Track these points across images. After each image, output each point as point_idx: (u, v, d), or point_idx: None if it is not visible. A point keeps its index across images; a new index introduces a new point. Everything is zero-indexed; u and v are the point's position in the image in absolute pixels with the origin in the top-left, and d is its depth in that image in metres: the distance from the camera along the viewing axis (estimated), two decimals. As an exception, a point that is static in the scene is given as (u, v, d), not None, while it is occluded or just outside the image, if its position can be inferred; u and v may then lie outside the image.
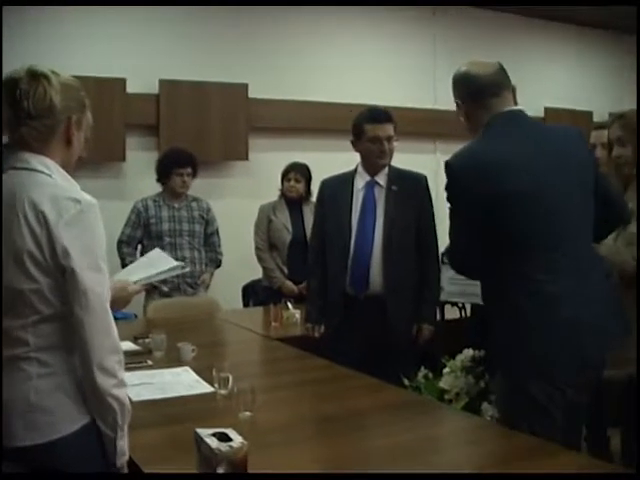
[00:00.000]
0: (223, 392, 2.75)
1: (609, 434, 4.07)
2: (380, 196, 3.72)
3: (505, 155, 2.44)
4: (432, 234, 3.76)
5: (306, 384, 3.03)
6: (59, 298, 1.79)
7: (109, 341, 1.81)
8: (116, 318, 4.35)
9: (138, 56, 5.91)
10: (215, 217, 5.38)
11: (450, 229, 2.54)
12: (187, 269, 3.40)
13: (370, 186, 3.75)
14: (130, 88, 5.84)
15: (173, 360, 3.33)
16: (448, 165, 2.47)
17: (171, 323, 4.11)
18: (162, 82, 5.98)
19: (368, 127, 3.67)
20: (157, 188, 5.29)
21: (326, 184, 3.92)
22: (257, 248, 5.35)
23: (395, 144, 3.71)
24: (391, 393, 2.85)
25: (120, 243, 5.14)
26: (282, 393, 2.91)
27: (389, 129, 3.68)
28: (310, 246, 3.96)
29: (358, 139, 3.72)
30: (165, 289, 5.07)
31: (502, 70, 2.61)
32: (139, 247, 5.23)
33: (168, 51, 6.06)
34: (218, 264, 5.37)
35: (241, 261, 5.57)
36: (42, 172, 1.84)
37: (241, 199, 6.23)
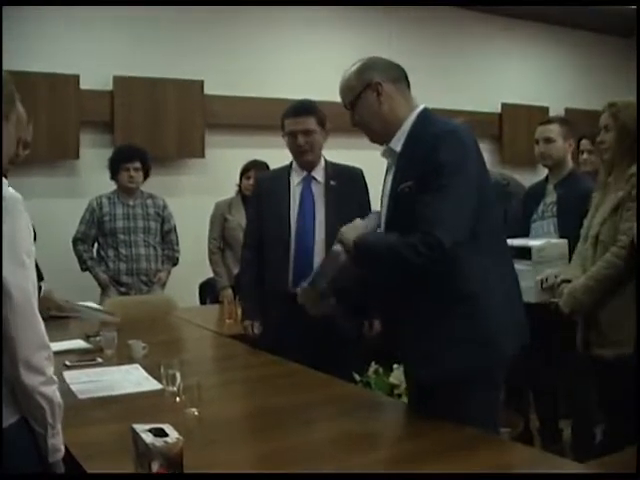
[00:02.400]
0: (171, 389, 2.73)
1: (561, 426, 4.15)
2: (318, 191, 3.64)
3: None
4: None
5: (255, 380, 3.02)
6: None
7: (36, 337, 1.78)
8: (69, 316, 4.34)
9: (92, 53, 5.85)
10: (172, 214, 5.36)
11: (444, 205, 2.29)
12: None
13: (307, 182, 3.66)
14: (84, 84, 5.77)
15: (124, 358, 3.31)
16: (452, 131, 2.37)
17: (125, 321, 4.07)
18: (116, 78, 5.93)
19: (286, 122, 3.60)
20: (112, 186, 5.26)
21: (262, 180, 3.88)
22: (209, 249, 5.36)
23: (321, 138, 3.59)
24: (339, 388, 2.85)
25: (76, 241, 5.12)
26: (230, 389, 2.91)
27: (307, 122, 3.56)
28: (245, 243, 3.83)
29: (283, 134, 3.65)
30: (121, 288, 5.06)
31: None
32: (95, 245, 5.21)
33: (122, 48, 6.00)
34: (175, 262, 5.35)
35: (198, 259, 5.54)
36: None
37: (197, 196, 6.20)
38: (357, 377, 3.26)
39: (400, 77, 2.54)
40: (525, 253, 3.45)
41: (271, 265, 3.64)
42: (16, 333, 1.74)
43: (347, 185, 3.65)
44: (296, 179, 3.68)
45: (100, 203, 5.12)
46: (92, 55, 5.85)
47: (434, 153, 2.32)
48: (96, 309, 3.58)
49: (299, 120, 3.56)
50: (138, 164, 5.14)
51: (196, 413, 2.44)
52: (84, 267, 5.12)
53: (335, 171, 3.69)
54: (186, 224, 5.57)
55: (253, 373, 3.14)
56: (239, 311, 4.18)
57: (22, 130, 2.40)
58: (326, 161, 3.71)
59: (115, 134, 5.94)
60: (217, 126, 6.35)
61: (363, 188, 3.72)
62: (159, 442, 1.67)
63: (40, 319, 1.81)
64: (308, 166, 3.66)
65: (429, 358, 2.38)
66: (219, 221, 5.39)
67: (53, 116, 5.59)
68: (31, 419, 1.81)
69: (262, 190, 3.79)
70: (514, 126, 7.86)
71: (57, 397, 1.84)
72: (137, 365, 3.19)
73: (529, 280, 3.40)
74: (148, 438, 1.69)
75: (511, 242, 3.50)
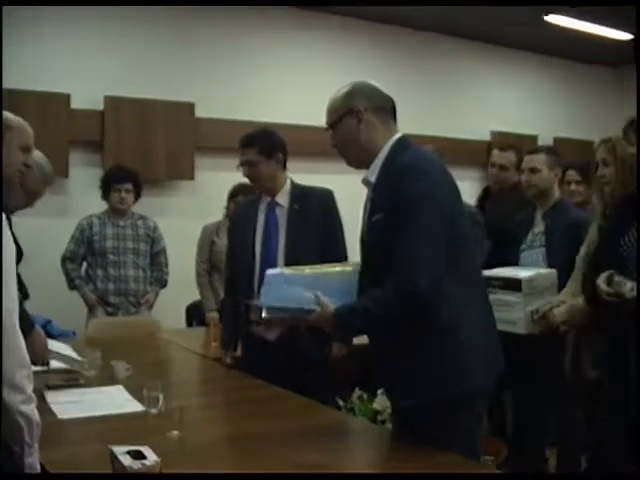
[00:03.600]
0: (153, 411, 2.70)
1: (547, 455, 4.14)
2: (282, 216, 3.61)
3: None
4: (341, 251, 3.59)
5: (237, 403, 3.01)
6: None
7: (17, 356, 1.78)
8: (53, 336, 4.33)
9: (84, 72, 5.87)
10: (162, 236, 5.35)
11: (416, 242, 2.29)
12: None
13: (271, 207, 3.63)
14: (75, 104, 5.79)
15: (107, 379, 3.28)
16: (412, 167, 2.37)
17: (110, 342, 4.06)
18: (107, 99, 5.94)
19: (240, 152, 3.65)
20: (101, 204, 5.26)
21: (236, 208, 3.94)
22: (197, 272, 5.34)
23: (266, 166, 3.56)
24: (320, 414, 2.83)
25: (64, 259, 5.11)
26: (213, 412, 2.90)
27: (248, 153, 3.57)
28: (225, 272, 3.87)
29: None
30: (109, 309, 5.04)
31: None
32: (84, 264, 5.19)
33: (114, 68, 6.02)
34: (163, 284, 5.33)
35: (185, 281, 5.51)
36: None
37: (186, 219, 6.18)
38: (341, 402, 3.24)
39: (385, 106, 2.54)
40: (515, 284, 3.43)
41: (238, 293, 3.61)
42: None
43: (311, 207, 3.60)
44: (262, 206, 3.66)
45: (90, 222, 5.12)
46: (84, 75, 5.87)
47: (398, 187, 2.34)
48: (71, 358, 3.52)
49: (242, 152, 3.60)
50: (129, 186, 5.14)
51: (177, 436, 2.43)
52: (72, 286, 5.10)
53: (301, 194, 3.65)
54: (174, 246, 5.55)
55: (236, 396, 3.12)
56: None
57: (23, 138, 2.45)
58: (293, 184, 3.67)
59: (105, 154, 5.95)
60: (207, 149, 6.36)
61: (330, 209, 3.66)
62: (137, 465, 1.66)
63: (21, 338, 1.81)
64: (269, 192, 3.64)
65: (405, 387, 2.39)
66: (207, 244, 5.38)
67: (43, 135, 5.44)
68: (9, 437, 1.80)
69: (234, 218, 3.85)
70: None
71: (36, 416, 1.84)
72: (120, 386, 3.16)
73: (519, 311, 3.38)
74: (126, 461, 1.68)
75: (500, 272, 3.52)
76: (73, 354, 3.32)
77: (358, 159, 2.55)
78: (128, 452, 1.74)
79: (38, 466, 1.87)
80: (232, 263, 3.75)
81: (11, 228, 3.21)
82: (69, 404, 2.89)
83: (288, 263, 3.43)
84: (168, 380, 3.13)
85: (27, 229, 4.48)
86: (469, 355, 2.35)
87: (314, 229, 3.56)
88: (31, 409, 1.82)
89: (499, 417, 3.94)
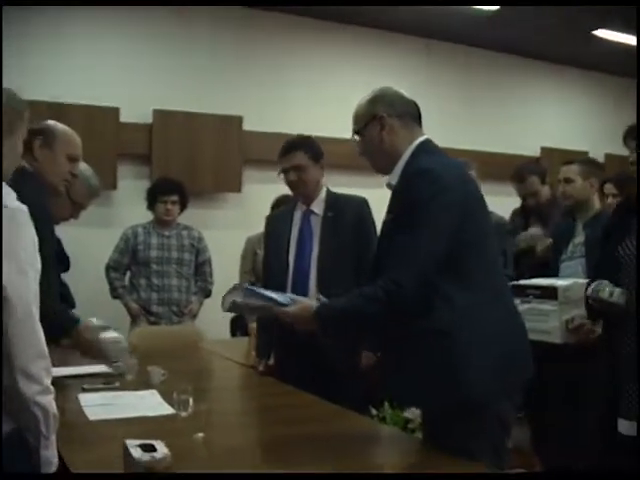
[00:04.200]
0: (183, 414, 2.71)
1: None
2: (316, 225, 3.60)
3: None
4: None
5: (268, 409, 3.01)
6: None
7: (34, 346, 1.80)
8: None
9: (133, 86, 5.99)
10: (207, 246, 5.40)
11: (409, 243, 2.33)
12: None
13: (306, 216, 3.63)
14: (124, 117, 5.90)
15: (142, 384, 3.30)
16: (426, 169, 2.38)
17: (151, 350, 4.10)
18: (156, 112, 6.04)
19: (280, 159, 3.61)
20: (148, 217, 5.33)
21: (269, 219, 3.88)
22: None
23: (313, 171, 3.57)
24: (350, 421, 2.80)
25: (108, 268, 5.19)
26: (242, 417, 2.90)
27: (295, 158, 3.55)
28: (260, 278, 3.85)
29: (278, 174, 3.66)
30: (151, 318, 5.09)
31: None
32: (128, 273, 5.26)
33: (163, 82, 6.13)
34: (208, 294, 5.36)
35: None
36: None
37: (233, 230, 6.22)
38: (374, 411, 3.21)
39: (407, 112, 2.55)
40: (551, 293, 3.38)
41: None
42: (15, 341, 1.76)
43: (346, 215, 3.59)
44: (297, 215, 3.66)
45: (135, 232, 5.19)
46: (132, 88, 5.99)
47: (407, 190, 2.38)
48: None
49: (288, 157, 3.56)
50: (175, 197, 5.21)
51: (202, 438, 2.43)
52: (115, 294, 5.16)
53: (335, 202, 3.64)
54: (221, 258, 5.59)
55: (267, 402, 3.12)
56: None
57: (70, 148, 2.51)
58: (328, 192, 3.66)
59: (153, 167, 6.04)
60: (254, 161, 6.40)
61: (365, 217, 3.63)
62: (146, 457, 1.66)
63: (40, 329, 1.83)
64: (305, 200, 3.63)
65: (407, 392, 2.42)
66: (250, 255, 5.40)
67: (92, 147, 5.59)
68: (25, 429, 1.82)
69: (268, 229, 3.82)
70: (553, 170, 7.77)
71: (53, 407, 1.85)
72: (154, 391, 3.17)
73: (554, 320, 3.33)
74: (136, 453, 1.68)
75: (535, 281, 3.47)
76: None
77: (383, 164, 2.58)
78: (140, 445, 1.74)
79: (55, 460, 1.88)
80: (266, 273, 3.76)
81: (53, 235, 3.29)
82: (101, 406, 2.91)
83: (321, 271, 3.49)
84: (202, 385, 3.13)
85: (75, 239, 4.60)
86: (473, 360, 2.29)
87: (348, 237, 3.55)
88: (48, 400, 1.83)
89: (540, 429, 3.85)
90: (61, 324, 2.86)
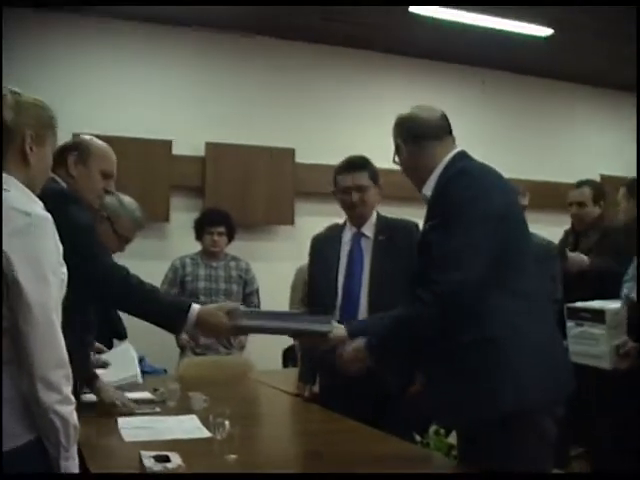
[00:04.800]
0: (219, 437, 2.67)
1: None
2: (367, 248, 3.53)
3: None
4: None
5: (307, 434, 2.96)
6: (8, 310, 1.77)
7: (54, 354, 1.78)
8: (146, 372, 4.40)
9: (185, 119, 6.06)
10: (255, 278, 5.37)
11: (453, 244, 2.30)
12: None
13: (357, 239, 3.56)
14: (176, 150, 5.97)
15: (184, 409, 3.28)
16: (462, 171, 2.43)
17: (198, 379, 4.08)
18: (208, 145, 6.10)
19: (339, 177, 3.56)
20: (199, 248, 5.35)
21: (315, 240, 3.79)
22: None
23: (374, 193, 3.53)
24: (391, 445, 2.72)
25: (157, 299, 5.17)
26: (279, 441, 2.84)
27: (360, 178, 3.50)
28: (304, 301, 3.82)
29: (335, 191, 3.61)
30: (198, 349, 5.06)
31: (444, 116, 2.64)
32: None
33: (215, 114, 6.20)
34: (255, 325, 5.31)
35: (283, 324, 5.50)
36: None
37: (284, 263, 6.17)
38: (418, 438, 3.11)
39: (426, 133, 2.57)
40: (599, 316, 3.25)
41: None
42: (34, 349, 1.75)
43: (397, 239, 3.50)
44: (347, 236, 3.60)
45: (183, 263, 5.20)
46: (185, 122, 6.06)
47: (445, 193, 2.41)
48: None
49: (354, 176, 3.51)
50: (222, 229, 5.21)
51: (234, 459, 2.38)
52: (164, 326, 5.15)
53: (386, 225, 3.58)
54: (272, 290, 5.54)
55: (308, 428, 3.08)
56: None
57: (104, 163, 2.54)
58: (378, 216, 3.61)
59: (205, 199, 6.08)
60: (306, 194, 6.40)
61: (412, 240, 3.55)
62: (158, 467, 1.62)
63: (61, 337, 1.81)
64: (359, 222, 3.57)
65: (450, 405, 2.34)
66: (300, 286, 5.34)
67: (145, 180, 5.77)
68: (45, 439, 1.79)
69: (314, 251, 3.74)
70: (612, 199, 7.61)
71: (73, 419, 1.82)
72: (193, 416, 3.14)
73: (603, 345, 3.20)
74: (148, 462, 1.64)
75: (587, 304, 3.34)
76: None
77: (417, 182, 2.62)
78: (154, 456, 1.70)
79: (76, 471, 1.84)
80: (312, 293, 3.68)
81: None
82: (138, 429, 2.88)
83: (372, 294, 3.42)
84: (242, 411, 3.08)
85: (127, 271, 4.61)
86: (517, 369, 2.25)
87: (400, 261, 3.40)
88: (69, 411, 1.80)
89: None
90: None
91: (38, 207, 1.86)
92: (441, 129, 2.59)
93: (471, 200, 2.32)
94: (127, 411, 3.15)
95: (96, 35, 5.93)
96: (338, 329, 2.69)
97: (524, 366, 2.25)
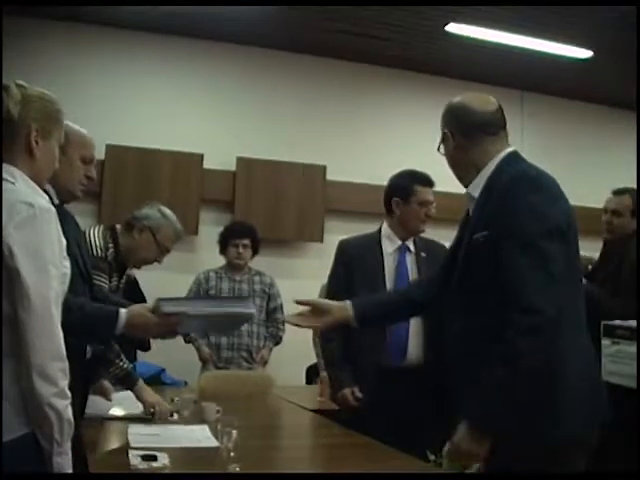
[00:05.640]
0: (225, 446, 2.62)
1: None
2: (411, 262, 3.60)
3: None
4: None
5: (317, 448, 2.93)
6: (9, 301, 1.76)
7: (51, 346, 1.77)
8: (165, 383, 4.38)
9: (217, 133, 6.09)
10: (279, 293, 5.32)
11: (533, 268, 2.08)
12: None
13: (402, 251, 3.62)
14: (207, 164, 5.98)
15: (197, 419, 3.24)
16: (526, 174, 2.24)
17: (216, 392, 4.04)
18: (239, 160, 6.10)
19: (419, 189, 3.58)
20: (226, 262, 5.34)
21: (349, 245, 3.74)
22: (313, 331, 5.23)
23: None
24: (401, 462, 2.67)
25: (180, 312, 5.15)
26: (287, 453, 2.78)
27: (432, 194, 3.64)
28: None
29: (406, 201, 3.58)
30: (220, 363, 5.03)
31: (500, 110, 2.44)
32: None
33: (247, 130, 6.22)
34: (278, 340, 5.26)
35: (307, 341, 5.46)
36: (6, 180, 1.85)
37: (313, 280, 6.12)
38: (432, 457, 3.02)
39: (478, 126, 2.38)
40: (636, 334, 3.13)
41: (361, 337, 3.42)
42: (31, 339, 1.74)
43: (436, 258, 3.48)
44: (389, 247, 3.63)
45: (207, 276, 5.18)
46: (217, 136, 6.08)
47: (507, 199, 2.18)
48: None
49: (431, 191, 3.63)
50: (247, 241, 5.18)
51: (237, 470, 2.33)
52: (187, 339, 5.13)
53: (424, 243, 3.68)
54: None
55: (318, 442, 3.04)
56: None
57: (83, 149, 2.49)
58: None
59: (235, 214, 6.07)
60: (336, 211, 6.37)
61: None
62: (143, 465, 1.58)
63: (59, 330, 1.81)
64: (408, 236, 3.65)
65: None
66: (325, 301, 5.30)
67: (176, 192, 5.80)
68: (38, 432, 1.77)
69: (350, 256, 3.67)
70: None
71: (68, 414, 1.80)
72: (205, 426, 3.11)
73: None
74: (135, 460, 1.60)
75: (629, 322, 3.23)
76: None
77: (461, 177, 2.43)
78: (142, 455, 1.66)
79: (68, 469, 1.81)
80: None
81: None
82: (146, 436, 2.86)
83: None
84: (254, 423, 3.05)
85: (156, 283, 4.65)
86: (571, 401, 2.14)
87: None
88: (63, 405, 1.78)
89: None
90: None
91: (42, 199, 1.86)
92: (496, 123, 2.40)
93: (542, 209, 2.13)
94: (163, 417, 3.18)
95: (132, 49, 6.00)
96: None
97: (577, 389, 2.15)
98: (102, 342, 3.06)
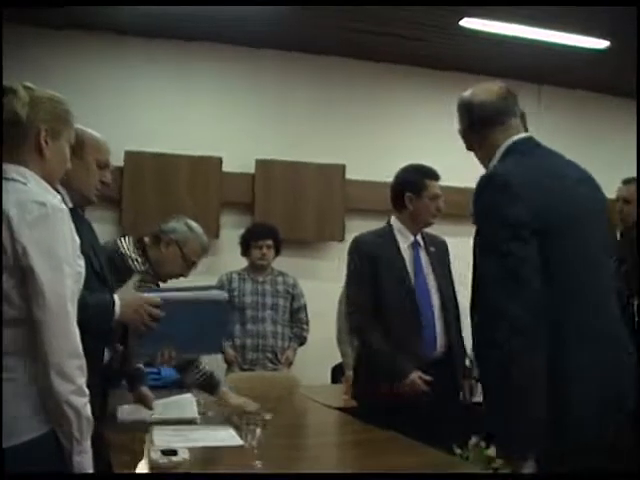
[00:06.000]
0: (249, 445, 2.62)
1: None
2: (424, 257, 3.67)
3: (540, 177, 2.22)
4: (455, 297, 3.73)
5: (341, 445, 2.91)
6: (24, 300, 1.78)
7: (68, 344, 1.79)
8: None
9: (235, 136, 6.10)
10: (302, 293, 5.33)
11: (489, 266, 2.08)
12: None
13: (415, 246, 3.68)
14: (226, 167, 6.00)
15: (222, 420, 3.25)
16: (490, 175, 2.22)
17: (242, 393, 4.04)
18: (258, 162, 6.12)
19: (430, 183, 3.63)
20: (247, 264, 5.35)
21: (365, 241, 3.77)
22: (338, 329, 5.24)
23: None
24: (427, 456, 2.65)
25: (201, 314, 5.17)
26: (311, 451, 2.79)
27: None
28: (356, 304, 3.66)
29: (418, 196, 3.61)
30: (245, 365, 5.04)
31: (507, 96, 2.43)
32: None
33: (265, 132, 6.23)
34: (302, 341, 5.28)
35: (332, 341, 5.46)
36: (18, 180, 1.87)
37: (336, 280, 6.12)
38: (458, 450, 3.02)
39: (483, 117, 2.38)
40: None
41: (396, 331, 3.48)
42: (48, 337, 1.77)
43: (442, 253, 3.74)
44: (404, 242, 3.66)
45: (230, 278, 5.20)
46: (235, 139, 6.10)
47: (475, 200, 2.21)
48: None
49: (439, 185, 3.69)
50: (270, 242, 5.20)
51: (258, 467, 2.34)
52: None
53: (430, 238, 3.76)
54: (320, 306, 5.49)
55: (343, 439, 3.05)
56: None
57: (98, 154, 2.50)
58: None
59: (255, 216, 6.09)
60: (357, 210, 6.36)
61: (449, 257, 3.79)
62: (163, 459, 1.59)
63: (75, 328, 1.83)
64: (420, 230, 3.70)
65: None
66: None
67: (195, 196, 5.82)
68: (58, 431, 1.80)
69: (368, 251, 3.68)
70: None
71: (87, 411, 1.82)
72: (229, 427, 3.11)
73: None
74: (155, 455, 1.62)
75: None
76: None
77: (482, 164, 2.45)
78: (162, 450, 1.67)
79: (89, 468, 1.82)
80: (381, 295, 3.55)
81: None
82: (172, 436, 2.87)
83: (443, 302, 3.62)
84: (280, 422, 3.03)
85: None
86: (577, 403, 2.07)
87: (446, 272, 3.71)
88: (82, 402, 1.80)
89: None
90: None
91: (54, 199, 1.88)
92: (501, 112, 2.38)
93: (487, 210, 2.14)
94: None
95: (150, 55, 6.03)
96: None
97: (581, 400, 2.09)
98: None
